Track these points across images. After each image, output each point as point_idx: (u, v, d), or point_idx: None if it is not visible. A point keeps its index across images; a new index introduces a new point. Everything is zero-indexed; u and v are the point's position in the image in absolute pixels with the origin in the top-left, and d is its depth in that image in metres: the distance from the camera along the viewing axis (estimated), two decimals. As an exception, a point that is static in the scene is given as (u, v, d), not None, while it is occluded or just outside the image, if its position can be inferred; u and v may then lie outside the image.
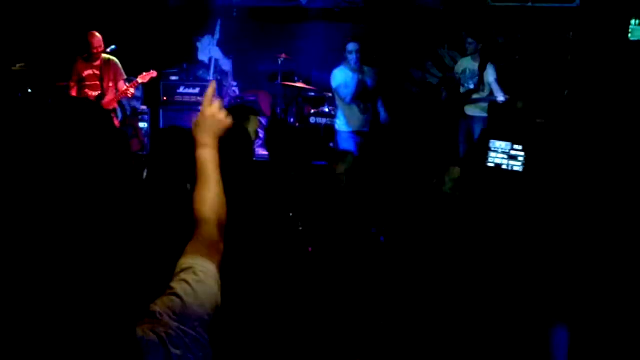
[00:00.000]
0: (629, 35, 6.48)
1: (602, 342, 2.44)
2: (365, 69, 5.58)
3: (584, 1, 6.85)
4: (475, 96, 6.12)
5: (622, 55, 6.46)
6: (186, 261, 1.23)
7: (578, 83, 6.52)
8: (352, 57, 5.49)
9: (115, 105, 5.77)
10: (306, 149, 3.51)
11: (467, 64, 6.22)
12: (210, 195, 1.40)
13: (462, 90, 6.23)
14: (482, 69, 6.05)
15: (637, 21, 6.42)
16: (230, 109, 3.12)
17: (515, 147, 2.70)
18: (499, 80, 5.95)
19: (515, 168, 2.67)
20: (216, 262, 1.27)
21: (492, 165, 2.73)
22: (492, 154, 2.73)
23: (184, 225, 1.40)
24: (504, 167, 2.68)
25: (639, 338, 2.41)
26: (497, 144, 2.74)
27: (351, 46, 5.50)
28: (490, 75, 6.00)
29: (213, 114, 1.50)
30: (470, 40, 6.17)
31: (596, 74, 6.47)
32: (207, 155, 1.45)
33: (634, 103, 5.89)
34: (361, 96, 5.59)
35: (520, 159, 2.66)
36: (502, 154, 2.71)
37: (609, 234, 2.62)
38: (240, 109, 3.56)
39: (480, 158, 2.73)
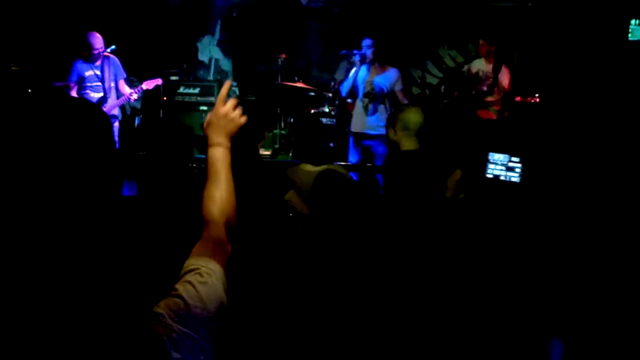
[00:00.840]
0: (629, 35, 6.47)
1: (597, 355, 2.44)
2: (390, 68, 5.41)
3: (585, 1, 6.86)
4: (488, 99, 5.99)
5: (622, 55, 6.46)
6: (192, 262, 1.23)
7: (578, 82, 6.52)
8: (359, 52, 5.41)
9: (117, 112, 5.78)
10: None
11: (480, 66, 6.10)
12: (219, 194, 1.38)
13: (474, 93, 6.10)
14: (496, 71, 5.92)
15: (637, 21, 6.41)
16: (250, 102, 3.12)
17: (513, 159, 2.77)
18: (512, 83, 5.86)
19: (513, 179, 2.75)
20: (222, 263, 1.26)
21: (490, 176, 2.80)
22: (490, 166, 2.81)
23: (190, 224, 1.39)
24: (502, 178, 2.76)
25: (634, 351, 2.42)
26: (495, 157, 2.82)
27: (363, 42, 5.39)
28: (505, 77, 5.90)
29: (226, 113, 1.48)
30: (482, 42, 6.05)
31: (596, 74, 6.47)
32: (219, 154, 1.44)
33: (634, 103, 5.89)
34: (368, 96, 5.45)
35: (518, 170, 2.73)
36: (501, 166, 2.79)
37: (605, 243, 2.63)
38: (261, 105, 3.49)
39: (479, 169, 2.78)
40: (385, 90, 5.39)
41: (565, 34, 6.92)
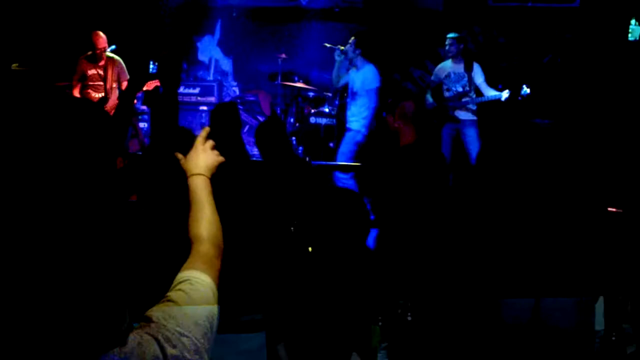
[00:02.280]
0: (629, 35, 6.48)
1: None
2: (365, 66, 5.45)
3: (584, 1, 6.86)
4: (464, 99, 5.79)
5: (621, 55, 6.47)
6: (183, 275, 1.26)
7: (578, 83, 6.53)
8: (338, 48, 5.57)
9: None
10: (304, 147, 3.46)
11: (450, 68, 5.83)
12: (203, 218, 1.43)
13: (448, 94, 5.88)
14: (468, 70, 5.72)
15: (637, 21, 6.42)
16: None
17: None
18: (487, 80, 5.70)
19: None
20: (213, 276, 1.29)
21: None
22: None
23: (182, 238, 1.42)
24: None
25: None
26: None
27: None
28: (478, 76, 5.69)
29: (205, 150, 1.56)
30: (450, 41, 5.76)
31: (596, 74, 6.47)
32: (200, 183, 1.49)
33: (634, 103, 5.90)
34: (349, 92, 5.55)
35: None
36: None
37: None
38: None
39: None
40: (354, 89, 5.47)
41: (564, 34, 6.93)
